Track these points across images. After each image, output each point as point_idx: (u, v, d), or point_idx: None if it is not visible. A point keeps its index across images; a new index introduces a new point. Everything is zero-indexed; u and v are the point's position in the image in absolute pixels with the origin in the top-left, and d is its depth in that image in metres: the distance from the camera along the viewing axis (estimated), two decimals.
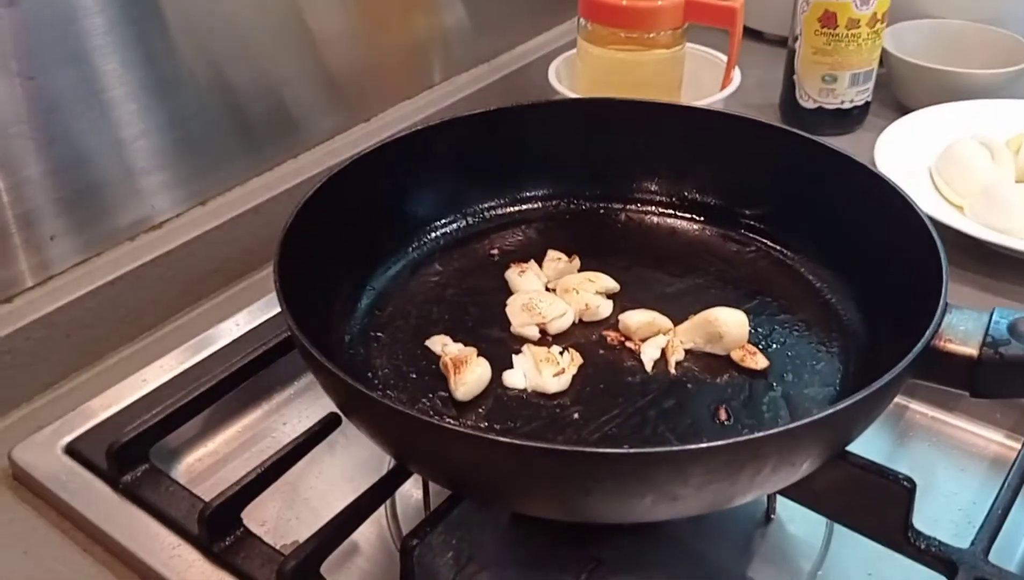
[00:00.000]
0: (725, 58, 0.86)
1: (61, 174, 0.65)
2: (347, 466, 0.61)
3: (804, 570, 0.54)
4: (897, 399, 0.64)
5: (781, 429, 0.40)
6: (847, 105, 0.91)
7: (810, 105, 0.92)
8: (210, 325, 0.69)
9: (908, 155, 0.82)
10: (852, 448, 0.49)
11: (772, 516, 0.57)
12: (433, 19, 0.90)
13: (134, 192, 0.69)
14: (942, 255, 0.49)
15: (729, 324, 0.55)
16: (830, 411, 0.41)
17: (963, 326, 0.46)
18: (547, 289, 0.61)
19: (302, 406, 0.66)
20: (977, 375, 0.45)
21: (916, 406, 0.65)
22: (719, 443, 0.39)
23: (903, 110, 0.90)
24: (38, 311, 0.64)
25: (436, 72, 0.92)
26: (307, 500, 0.60)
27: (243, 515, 0.54)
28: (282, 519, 0.58)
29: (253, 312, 0.70)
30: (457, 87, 0.92)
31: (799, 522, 0.57)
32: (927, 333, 0.45)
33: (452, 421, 0.52)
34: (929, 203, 0.76)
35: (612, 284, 0.61)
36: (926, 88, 0.92)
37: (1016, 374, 0.44)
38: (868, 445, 0.61)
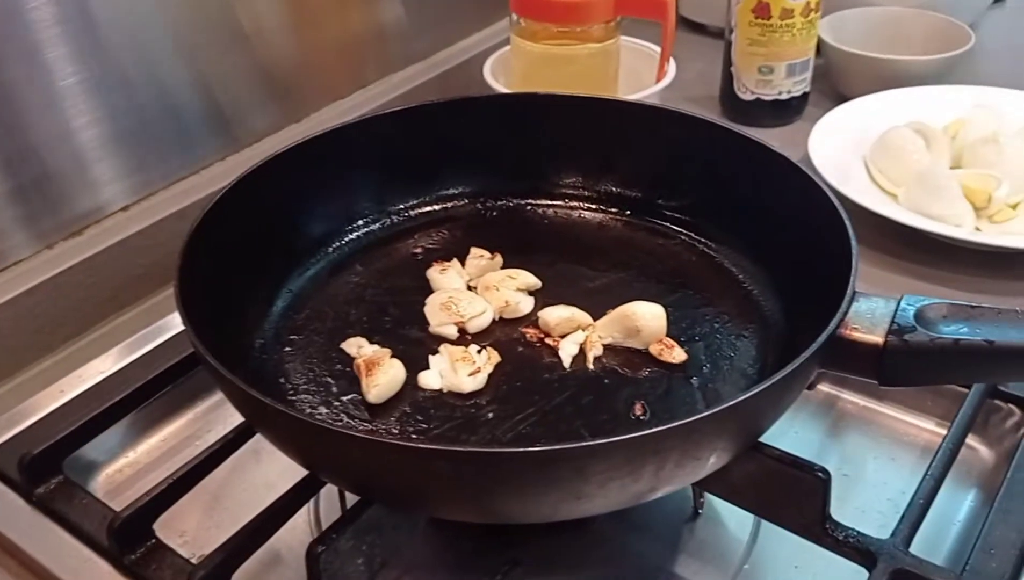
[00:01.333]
0: None
1: None
2: (271, 474, 0.60)
3: (731, 564, 0.54)
4: (827, 389, 0.65)
5: (679, 423, 0.39)
6: (785, 96, 0.91)
7: (748, 97, 0.92)
8: (132, 333, 0.67)
9: (843, 144, 0.82)
10: (783, 440, 0.48)
11: (700, 511, 0.56)
12: (368, 17, 0.89)
13: (56, 196, 0.68)
14: (852, 243, 0.49)
15: (647, 318, 0.54)
16: (729, 403, 0.40)
17: (870, 314, 0.45)
18: (469, 287, 0.60)
19: (228, 413, 0.65)
20: (884, 363, 0.44)
21: (847, 396, 0.64)
22: (616, 439, 0.39)
23: (842, 100, 0.90)
24: None
25: (371, 70, 0.91)
26: (228, 509, 0.59)
27: (161, 526, 0.53)
28: (202, 529, 0.57)
29: (177, 320, 0.68)
30: (392, 85, 0.91)
31: (727, 516, 0.56)
32: (832, 322, 0.44)
33: (363, 424, 0.51)
34: (863, 192, 0.76)
35: (533, 281, 0.60)
36: (863, 77, 0.92)
37: (921, 361, 0.44)
38: (799, 435, 0.62)
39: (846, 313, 0.45)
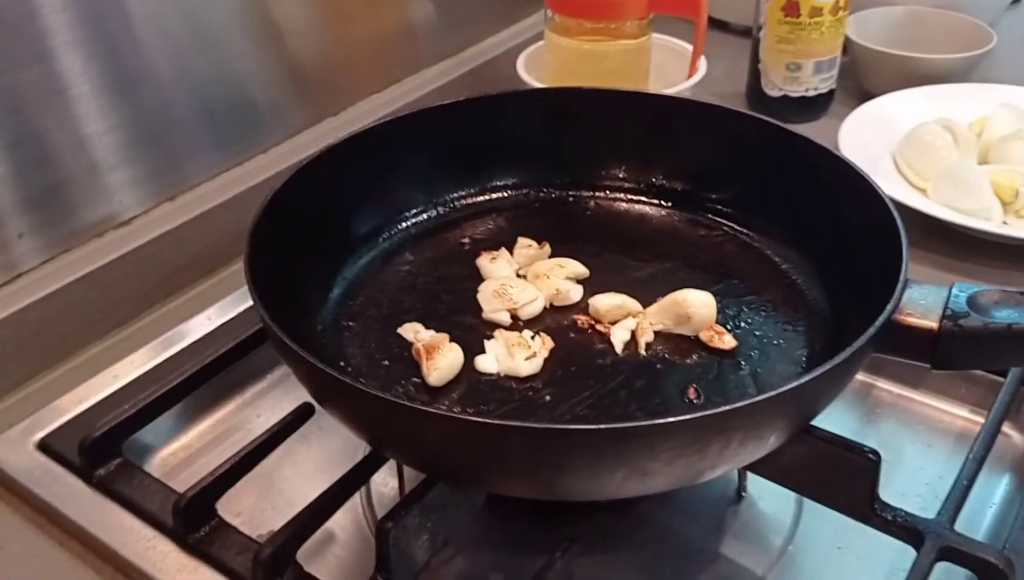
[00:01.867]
0: (691, 48, 0.87)
1: (27, 172, 0.64)
2: (321, 457, 0.62)
3: (775, 545, 0.55)
4: (863, 377, 0.66)
5: (747, 402, 0.41)
6: (812, 93, 0.93)
7: (775, 93, 0.93)
8: (181, 320, 0.69)
9: (871, 140, 0.84)
10: (822, 426, 0.49)
11: (743, 494, 0.58)
12: (401, 13, 0.90)
13: (101, 189, 0.69)
14: (902, 232, 0.50)
15: (697, 305, 0.55)
16: (794, 384, 0.42)
17: (923, 300, 0.47)
18: (518, 275, 0.61)
19: (275, 398, 0.66)
20: (937, 348, 0.46)
21: (883, 383, 0.66)
22: (687, 417, 0.40)
23: (867, 97, 0.91)
24: (7, 309, 0.64)
25: (404, 66, 0.92)
26: (282, 491, 0.60)
27: (218, 506, 0.54)
28: (257, 509, 0.58)
29: (224, 307, 0.70)
30: (425, 80, 0.93)
31: (769, 499, 0.58)
32: (888, 307, 0.45)
33: (425, 406, 0.52)
34: (892, 186, 0.78)
35: (582, 269, 0.61)
36: (889, 74, 0.93)
37: (975, 345, 0.45)
38: (836, 422, 0.62)
39: (900, 298, 0.46)
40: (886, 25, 0.98)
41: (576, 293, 0.60)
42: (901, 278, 0.47)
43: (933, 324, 0.45)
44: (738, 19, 1.10)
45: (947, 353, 0.46)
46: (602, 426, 0.40)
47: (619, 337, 0.56)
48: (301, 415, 0.57)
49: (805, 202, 0.60)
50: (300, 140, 0.82)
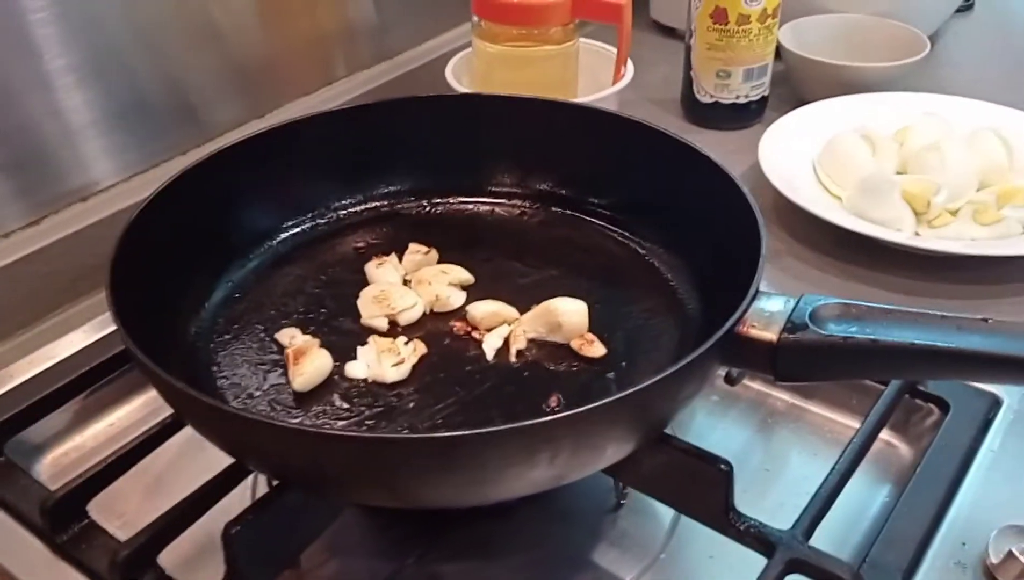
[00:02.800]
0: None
1: None
2: (214, 462, 0.61)
3: (649, 553, 0.55)
4: (759, 387, 0.66)
5: (567, 413, 0.41)
6: (743, 100, 0.93)
7: (707, 100, 0.93)
8: (87, 321, 0.69)
9: (794, 148, 0.83)
10: (710, 436, 0.49)
11: (622, 502, 0.58)
12: (338, 13, 0.91)
13: (12, 185, 0.70)
14: (762, 243, 0.50)
15: (568, 313, 0.56)
16: (617, 396, 0.42)
17: (770, 312, 0.47)
18: (404, 281, 0.62)
19: None
20: (777, 360, 0.45)
21: (776, 393, 0.66)
22: (502, 428, 0.40)
23: (803, 105, 0.91)
24: None
25: (339, 67, 0.93)
26: (169, 494, 0.59)
27: (100, 509, 0.55)
28: (141, 512, 0.58)
29: None
30: (358, 83, 0.93)
31: (648, 508, 0.58)
32: (730, 320, 0.45)
33: (288, 411, 0.52)
34: (809, 196, 0.78)
35: (466, 276, 0.61)
36: (821, 82, 0.93)
37: (813, 358, 0.45)
38: (726, 432, 0.64)
39: (746, 310, 0.46)
40: (823, 33, 0.98)
41: (457, 299, 0.60)
42: (751, 290, 0.47)
43: (773, 336, 0.45)
44: (684, 25, 1.09)
45: (787, 365, 0.46)
46: (416, 435, 0.41)
47: (491, 344, 0.56)
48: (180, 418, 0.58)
49: (687, 210, 0.60)
50: (225, 140, 0.82)
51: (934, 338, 0.42)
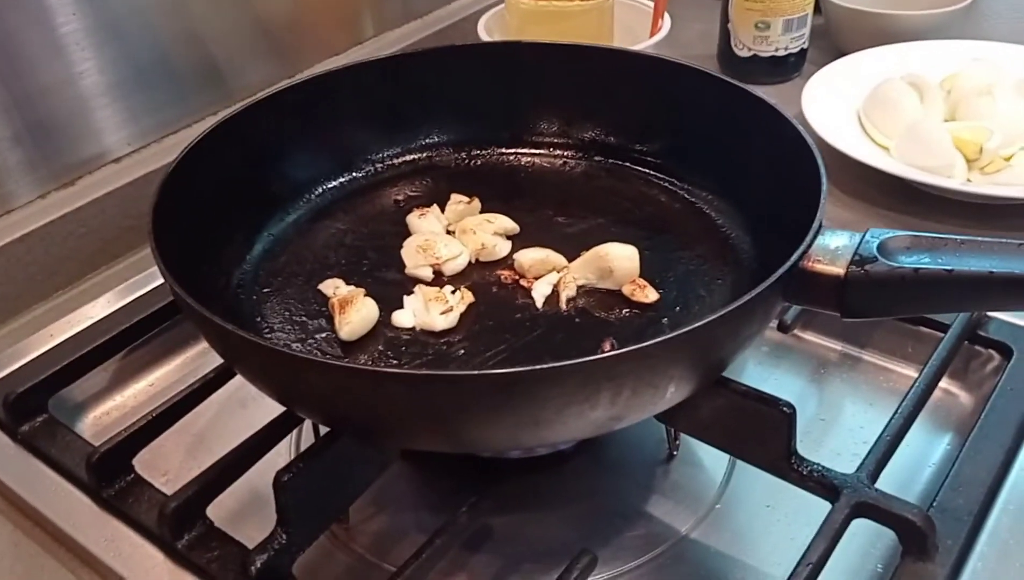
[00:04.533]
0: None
1: None
2: (256, 420, 0.60)
3: (704, 504, 0.54)
4: (811, 337, 0.65)
5: (632, 348, 0.39)
6: (782, 52, 0.90)
7: (745, 53, 0.91)
8: (124, 281, 0.68)
9: (838, 98, 0.81)
10: (763, 386, 0.48)
11: (675, 453, 0.56)
12: None
13: (48, 147, 0.69)
14: (822, 176, 0.49)
15: (619, 258, 0.54)
16: (684, 330, 0.40)
17: (835, 247, 0.45)
18: (448, 232, 0.60)
19: (216, 359, 0.66)
20: (845, 295, 0.44)
21: (829, 343, 0.64)
22: (567, 362, 0.39)
23: (841, 57, 0.89)
24: None
25: (368, 27, 0.91)
26: (211, 451, 0.59)
27: (144, 465, 0.54)
28: (184, 469, 0.58)
29: None
30: (388, 42, 0.92)
31: (701, 459, 0.57)
32: (795, 254, 0.44)
33: (335, 361, 0.51)
34: (855, 144, 0.76)
35: (511, 225, 0.60)
36: (862, 33, 0.91)
37: (882, 291, 0.43)
38: (778, 382, 0.62)
39: (810, 245, 0.45)
40: None
41: (503, 248, 0.59)
42: (814, 224, 0.46)
43: (840, 270, 0.44)
44: None
45: (855, 300, 0.44)
46: (480, 371, 0.39)
47: (540, 291, 0.55)
48: (224, 373, 0.57)
49: (739, 153, 0.58)
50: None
51: (1013, 265, 0.40)
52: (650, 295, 0.54)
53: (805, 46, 0.92)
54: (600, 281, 0.55)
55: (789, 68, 0.92)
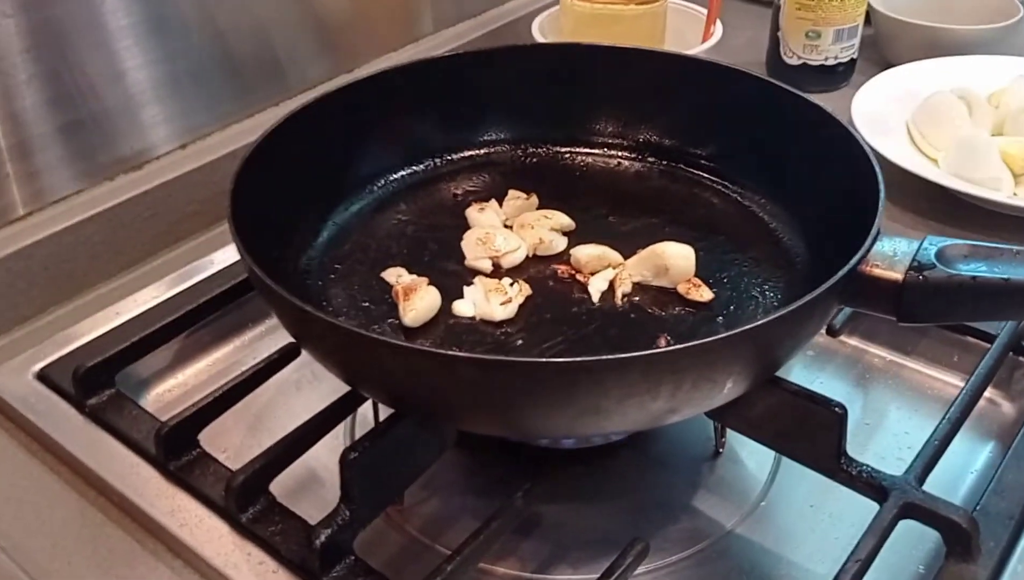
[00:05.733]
0: None
1: (51, 108, 0.66)
2: (312, 403, 0.62)
3: (748, 501, 0.55)
4: (856, 343, 0.66)
5: (696, 343, 0.41)
6: (831, 61, 0.91)
7: (794, 62, 0.92)
8: (187, 263, 0.70)
9: (887, 107, 0.82)
10: (811, 388, 0.49)
11: (721, 450, 0.58)
12: None
13: (118, 131, 0.71)
14: (880, 184, 0.50)
15: (675, 257, 0.56)
16: (745, 327, 0.42)
17: (892, 252, 0.46)
18: (505, 226, 0.62)
19: (273, 342, 0.67)
20: (902, 300, 0.45)
21: (875, 350, 0.65)
22: (634, 354, 0.40)
23: (890, 68, 0.90)
24: (17, 244, 0.66)
25: (422, 25, 0.93)
26: (269, 430, 0.61)
27: (205, 442, 0.56)
28: (244, 447, 0.60)
29: (230, 252, 0.71)
30: (443, 41, 0.93)
31: (747, 457, 0.58)
32: (855, 258, 0.45)
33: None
34: (904, 155, 0.77)
35: (567, 221, 0.62)
36: (911, 45, 0.92)
37: (939, 298, 0.45)
38: (823, 386, 0.62)
39: (869, 249, 0.46)
40: None
41: (560, 243, 0.60)
42: (873, 230, 0.47)
43: (899, 275, 0.45)
44: None
45: (911, 305, 0.45)
46: (550, 359, 0.41)
47: (596, 286, 0.56)
48: (287, 354, 0.59)
49: (794, 158, 0.60)
50: (310, 95, 0.83)
51: None
52: (705, 294, 0.55)
53: (855, 56, 0.93)
54: (655, 279, 0.57)
55: (838, 77, 0.93)
